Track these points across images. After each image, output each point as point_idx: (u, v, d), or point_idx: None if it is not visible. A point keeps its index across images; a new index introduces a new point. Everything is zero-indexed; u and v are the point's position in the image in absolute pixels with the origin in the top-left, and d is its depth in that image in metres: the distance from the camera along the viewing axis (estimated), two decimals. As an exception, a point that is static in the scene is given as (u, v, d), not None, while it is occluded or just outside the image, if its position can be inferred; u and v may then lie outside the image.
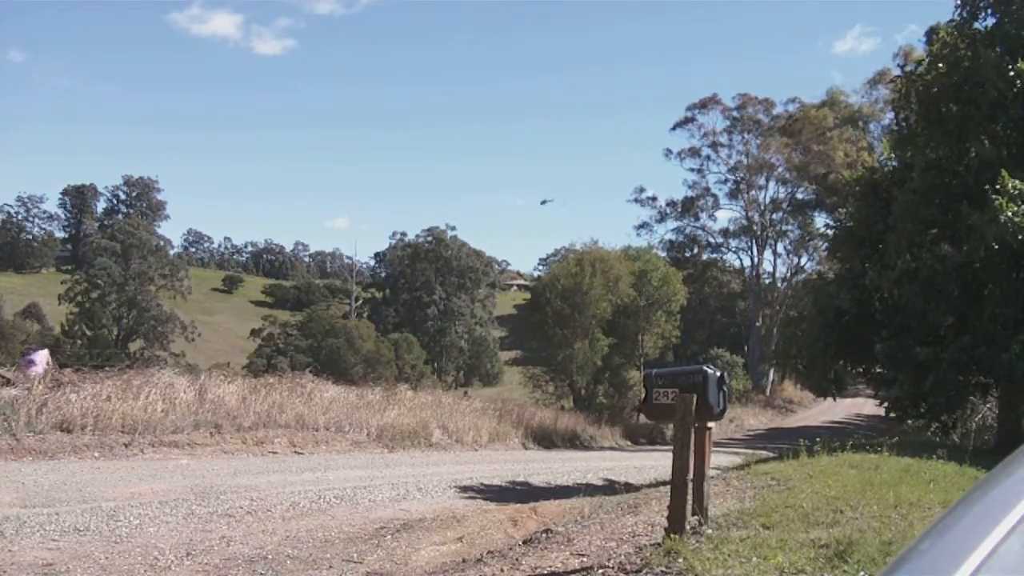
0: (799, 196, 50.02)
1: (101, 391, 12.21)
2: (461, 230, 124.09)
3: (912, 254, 13.26)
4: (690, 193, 53.36)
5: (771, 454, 14.44)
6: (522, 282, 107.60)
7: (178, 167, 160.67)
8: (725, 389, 5.74)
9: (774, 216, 51.43)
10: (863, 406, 39.14)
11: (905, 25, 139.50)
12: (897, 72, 24.07)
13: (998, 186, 11.84)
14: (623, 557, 5.43)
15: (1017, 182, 11.85)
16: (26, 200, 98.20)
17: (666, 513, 5.43)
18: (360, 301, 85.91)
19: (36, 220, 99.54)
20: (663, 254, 46.40)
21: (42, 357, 15.19)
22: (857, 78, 41.55)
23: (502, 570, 5.66)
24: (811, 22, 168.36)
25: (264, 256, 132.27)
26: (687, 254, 53.64)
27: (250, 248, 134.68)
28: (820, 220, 48.57)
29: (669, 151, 53.04)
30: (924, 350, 13.38)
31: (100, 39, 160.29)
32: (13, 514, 7.30)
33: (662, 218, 54.01)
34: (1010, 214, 11.52)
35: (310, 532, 7.61)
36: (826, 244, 32.27)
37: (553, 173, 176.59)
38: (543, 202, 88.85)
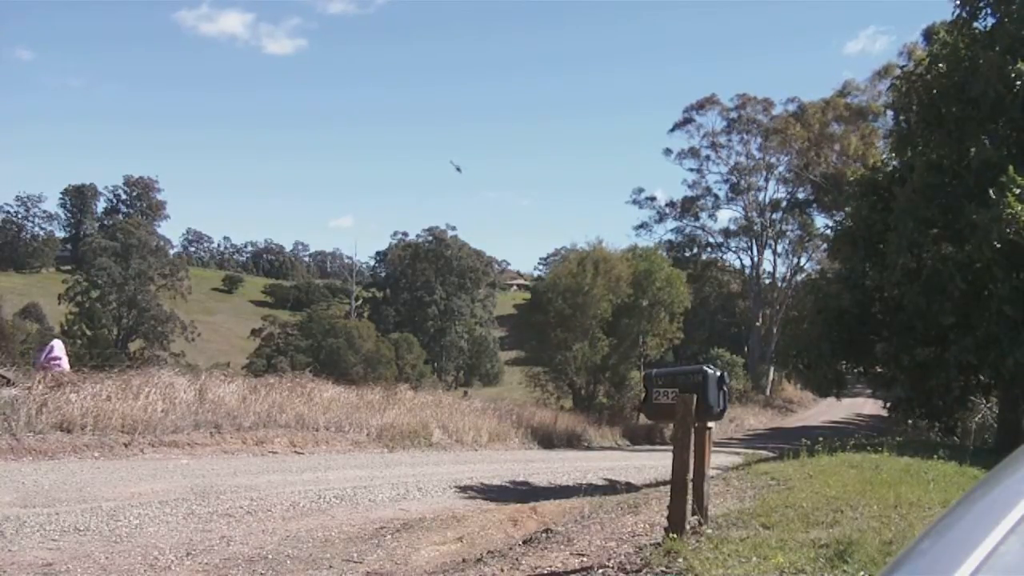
0: (799, 196, 50.04)
1: (101, 391, 12.20)
2: (461, 230, 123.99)
3: (913, 254, 13.25)
4: (690, 193, 53.44)
5: (771, 454, 14.44)
6: (522, 282, 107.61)
7: (178, 167, 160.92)
8: (725, 389, 5.73)
9: (774, 216, 51.44)
10: (863, 406, 39.16)
11: (920, 24, 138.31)
12: (902, 66, 24.07)
13: (1004, 179, 11.82)
14: (623, 557, 5.43)
15: (1020, 179, 11.85)
16: (26, 200, 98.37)
17: (666, 513, 5.43)
18: (360, 301, 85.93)
19: (36, 220, 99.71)
20: (664, 254, 46.41)
21: (61, 349, 15.03)
22: (868, 76, 41.46)
23: (502, 570, 5.65)
24: (823, 22, 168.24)
25: (264, 256, 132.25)
26: (687, 254, 53.62)
27: (250, 248, 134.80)
28: (820, 220, 48.63)
29: (669, 151, 53.11)
30: (926, 350, 13.37)
31: (106, 38, 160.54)
32: (13, 514, 7.30)
33: (661, 218, 54.09)
34: (1015, 212, 11.51)
35: (310, 532, 7.61)
36: (826, 244, 32.24)
37: (553, 173, 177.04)
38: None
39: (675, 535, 5.15)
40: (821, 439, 10.50)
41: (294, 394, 15.38)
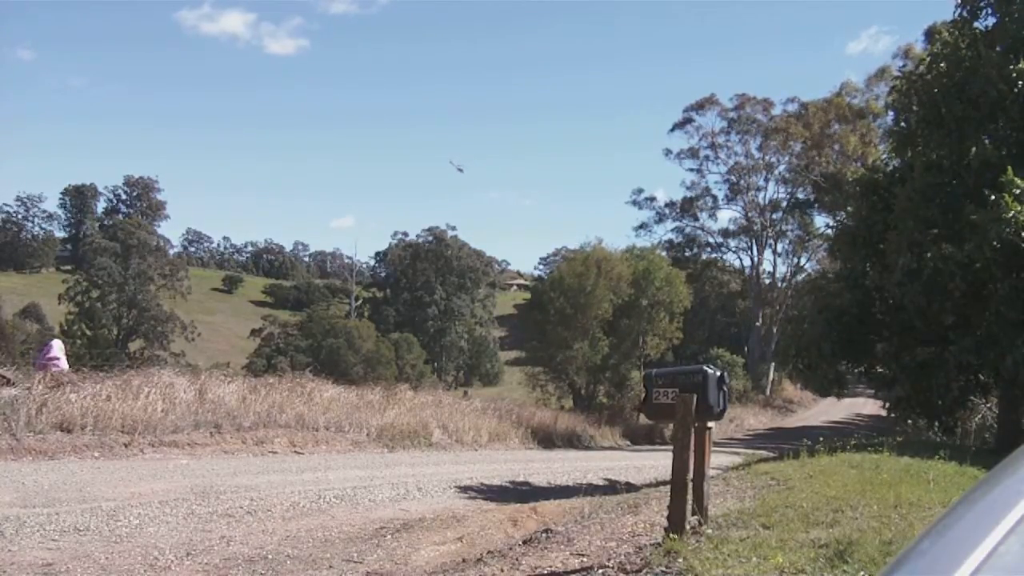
0: (799, 196, 50.01)
1: (101, 391, 12.20)
2: (462, 230, 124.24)
3: (913, 253, 13.24)
4: (689, 193, 53.44)
5: (771, 454, 14.44)
6: (522, 282, 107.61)
7: (178, 167, 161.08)
8: (725, 389, 5.72)
9: (774, 216, 51.42)
10: (863, 406, 39.17)
11: (922, 24, 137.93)
12: (898, 68, 24.09)
13: (1003, 180, 11.82)
14: (623, 557, 5.43)
15: (1018, 180, 11.84)
16: (26, 200, 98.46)
17: (666, 513, 5.43)
18: (360, 301, 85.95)
19: (36, 220, 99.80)
20: (663, 254, 46.39)
21: (59, 349, 14.95)
22: (866, 78, 41.61)
23: (502, 570, 5.65)
24: (824, 22, 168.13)
25: (264, 256, 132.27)
26: (687, 254, 53.61)
27: (250, 248, 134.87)
28: (820, 220, 48.62)
29: (668, 151, 53.11)
30: (926, 350, 13.36)
31: (106, 38, 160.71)
32: (13, 514, 7.30)
33: (661, 219, 54.07)
34: (1014, 213, 11.51)
35: (310, 532, 7.61)
36: (825, 244, 32.19)
37: (553, 173, 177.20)
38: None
39: (675, 535, 5.14)
40: (821, 439, 10.51)
41: (294, 394, 15.38)
